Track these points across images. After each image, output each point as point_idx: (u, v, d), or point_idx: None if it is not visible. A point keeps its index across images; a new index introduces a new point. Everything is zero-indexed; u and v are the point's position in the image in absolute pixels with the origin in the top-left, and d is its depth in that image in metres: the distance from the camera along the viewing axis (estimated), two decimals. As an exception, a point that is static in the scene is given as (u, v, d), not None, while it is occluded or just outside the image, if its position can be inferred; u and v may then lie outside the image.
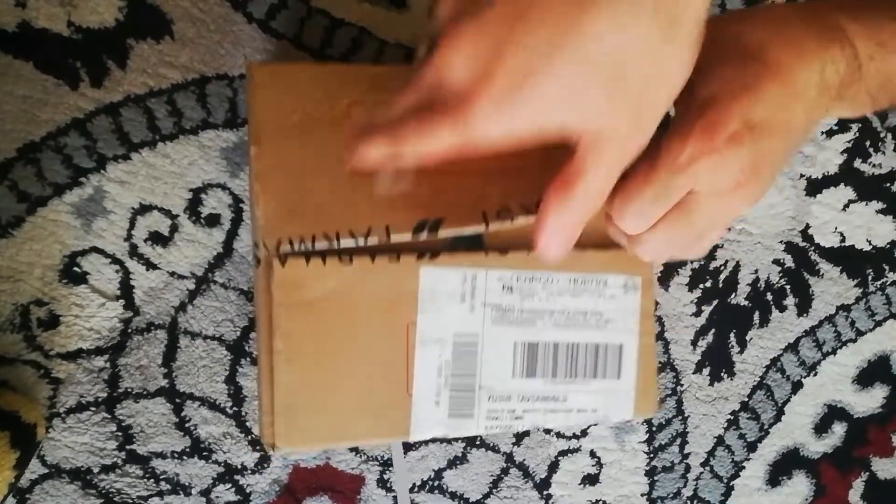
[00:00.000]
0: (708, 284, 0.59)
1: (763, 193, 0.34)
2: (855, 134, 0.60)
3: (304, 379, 0.40)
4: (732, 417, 0.60)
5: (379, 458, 0.54)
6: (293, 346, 0.39)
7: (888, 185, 0.61)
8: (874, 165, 0.61)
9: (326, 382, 0.40)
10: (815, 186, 0.60)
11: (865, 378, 0.63)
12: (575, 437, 0.57)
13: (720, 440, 0.60)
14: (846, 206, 0.61)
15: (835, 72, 0.34)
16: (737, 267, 0.59)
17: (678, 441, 0.59)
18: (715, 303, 0.59)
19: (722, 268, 0.59)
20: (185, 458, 0.51)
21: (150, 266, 0.49)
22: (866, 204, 0.61)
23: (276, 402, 0.40)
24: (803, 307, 0.61)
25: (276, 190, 0.39)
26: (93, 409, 0.49)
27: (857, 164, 0.60)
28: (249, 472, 0.52)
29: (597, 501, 0.58)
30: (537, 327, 0.43)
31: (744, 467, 0.61)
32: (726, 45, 0.34)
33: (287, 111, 0.40)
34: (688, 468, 0.59)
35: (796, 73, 0.33)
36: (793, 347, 0.61)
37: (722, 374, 0.59)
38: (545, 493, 0.57)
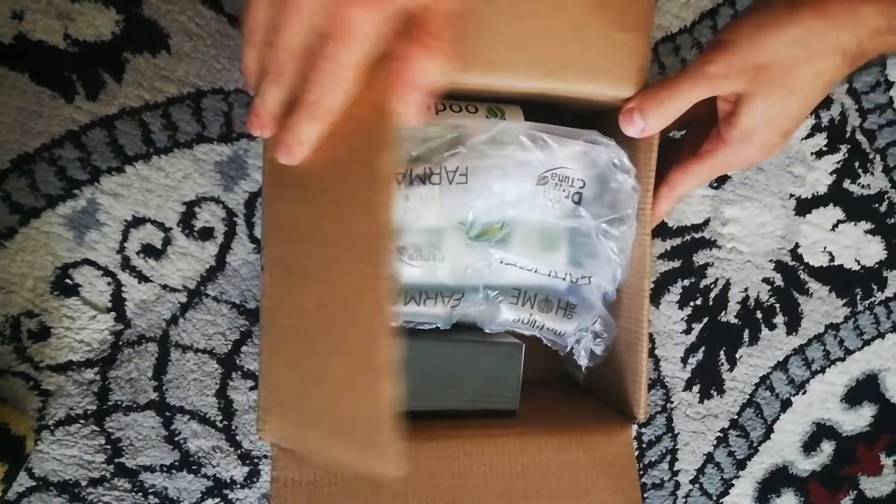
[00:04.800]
0: (698, 302, 0.59)
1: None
2: (844, 155, 0.61)
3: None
4: (722, 435, 0.60)
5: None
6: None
7: (877, 205, 0.62)
8: (863, 186, 0.61)
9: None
10: (804, 206, 0.60)
11: (854, 397, 0.63)
12: (565, 453, 0.57)
13: (709, 457, 0.60)
14: (835, 226, 0.61)
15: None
16: (727, 285, 0.60)
17: (668, 458, 0.59)
18: (705, 321, 0.59)
19: (712, 286, 0.59)
20: (173, 471, 0.50)
21: (143, 279, 0.49)
22: (855, 224, 0.62)
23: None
24: (792, 326, 0.61)
25: None
26: (82, 421, 0.49)
27: (847, 184, 0.61)
28: (238, 486, 0.52)
29: (586, 518, 0.58)
30: None
31: (733, 485, 0.61)
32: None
33: None
34: (677, 485, 0.60)
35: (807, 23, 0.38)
36: (782, 366, 0.61)
37: (712, 392, 0.60)
38: (535, 509, 0.57)
